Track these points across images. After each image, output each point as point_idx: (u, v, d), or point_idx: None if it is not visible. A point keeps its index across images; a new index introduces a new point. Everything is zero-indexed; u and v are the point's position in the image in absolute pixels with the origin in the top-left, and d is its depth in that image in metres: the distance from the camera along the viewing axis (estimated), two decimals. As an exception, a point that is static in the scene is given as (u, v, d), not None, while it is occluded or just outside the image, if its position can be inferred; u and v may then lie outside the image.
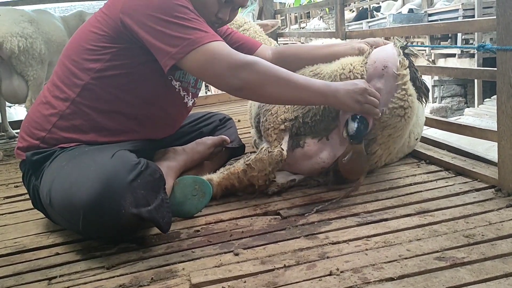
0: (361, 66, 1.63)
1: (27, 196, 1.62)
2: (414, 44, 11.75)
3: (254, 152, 2.00)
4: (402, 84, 1.57)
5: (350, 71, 1.63)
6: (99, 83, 1.47)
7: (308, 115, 1.68)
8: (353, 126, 1.55)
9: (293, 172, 1.78)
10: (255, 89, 1.44)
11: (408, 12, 11.41)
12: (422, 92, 1.68)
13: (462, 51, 9.93)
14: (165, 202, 1.37)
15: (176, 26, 1.37)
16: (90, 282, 1.19)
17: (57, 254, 1.38)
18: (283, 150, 1.64)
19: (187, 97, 1.67)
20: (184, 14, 1.39)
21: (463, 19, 8.95)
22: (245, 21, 2.62)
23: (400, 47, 1.63)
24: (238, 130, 2.83)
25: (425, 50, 10.70)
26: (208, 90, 12.18)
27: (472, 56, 9.81)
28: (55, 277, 1.23)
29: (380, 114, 1.55)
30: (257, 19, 4.93)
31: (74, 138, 1.47)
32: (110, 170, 1.27)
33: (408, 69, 1.59)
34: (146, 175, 1.33)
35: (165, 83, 1.57)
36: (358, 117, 1.55)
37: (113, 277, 1.20)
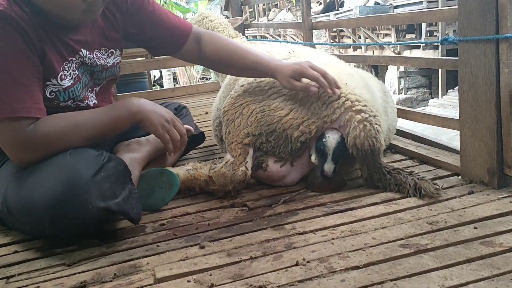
0: None
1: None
2: (380, 35, 11.94)
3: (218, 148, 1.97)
4: None
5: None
6: None
7: (272, 135, 1.57)
8: (331, 168, 1.52)
9: None
10: (48, 154, 1.29)
11: (374, 4, 11.59)
12: None
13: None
14: (133, 193, 1.34)
15: None
16: (50, 280, 1.14)
17: (16, 252, 1.32)
18: (247, 169, 1.58)
19: (91, 99, 1.50)
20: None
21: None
22: (209, 14, 2.60)
23: None
24: (205, 122, 2.82)
25: (391, 41, 10.89)
26: (177, 83, 12.05)
27: (436, 47, 10.06)
28: (13, 276, 1.18)
29: (172, 153, 1.43)
30: (224, 10, 4.88)
31: None
32: (70, 167, 1.22)
33: None
34: (110, 168, 1.29)
35: (59, 109, 1.39)
36: (333, 155, 1.51)
37: (74, 274, 1.16)
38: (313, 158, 1.57)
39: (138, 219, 1.34)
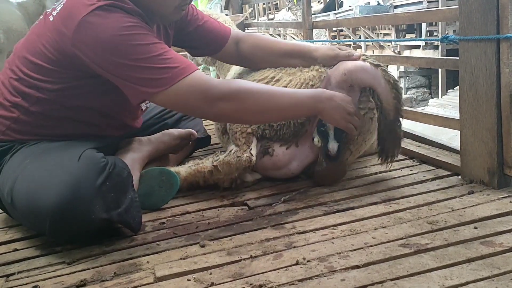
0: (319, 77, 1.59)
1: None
2: (380, 35, 11.94)
3: (221, 147, 1.97)
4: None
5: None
6: (52, 101, 1.39)
7: None
8: (335, 146, 1.53)
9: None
10: (235, 119, 1.47)
11: (377, 4, 11.60)
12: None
13: (426, 43, 10.17)
14: (134, 202, 1.34)
15: (141, 69, 1.28)
16: (50, 278, 1.14)
17: (16, 250, 1.32)
18: (252, 155, 1.59)
19: (144, 104, 1.66)
20: (146, 53, 1.28)
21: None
22: (212, 12, 2.60)
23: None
24: (207, 121, 2.80)
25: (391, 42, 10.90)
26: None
27: (436, 47, 10.06)
28: (13, 274, 1.18)
29: (357, 136, 1.54)
30: (224, 9, 4.87)
31: (31, 139, 1.40)
32: (78, 174, 1.22)
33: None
34: (115, 176, 1.29)
35: (124, 99, 1.43)
36: (335, 134, 1.52)
37: (74, 272, 1.16)
38: (315, 140, 1.57)
39: (138, 229, 1.34)
